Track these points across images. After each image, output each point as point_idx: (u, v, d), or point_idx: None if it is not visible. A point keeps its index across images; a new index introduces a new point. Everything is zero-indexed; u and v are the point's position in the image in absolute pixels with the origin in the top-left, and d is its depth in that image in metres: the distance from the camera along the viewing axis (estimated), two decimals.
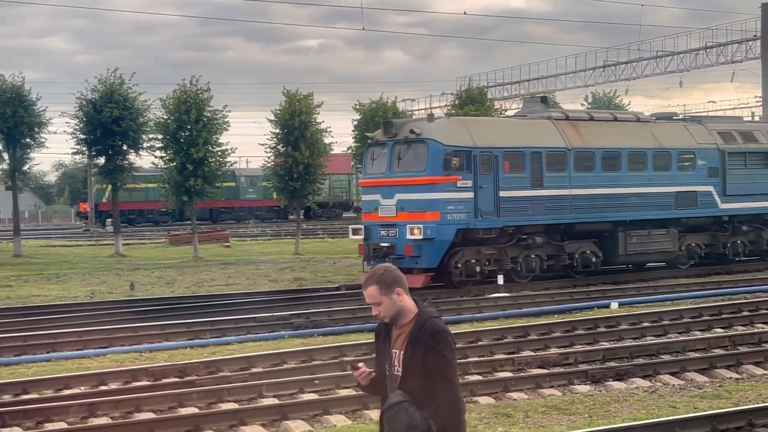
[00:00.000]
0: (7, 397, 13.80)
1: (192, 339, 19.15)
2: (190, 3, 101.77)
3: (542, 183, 24.27)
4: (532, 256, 24.60)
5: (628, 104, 57.11)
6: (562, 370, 14.88)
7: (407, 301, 5.35)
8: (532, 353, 16.32)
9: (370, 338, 17.25)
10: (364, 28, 66.87)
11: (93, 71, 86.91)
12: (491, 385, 13.84)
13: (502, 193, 23.53)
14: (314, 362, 16.00)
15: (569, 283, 26.81)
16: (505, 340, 17.79)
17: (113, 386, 14.68)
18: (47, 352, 17.92)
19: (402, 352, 5.33)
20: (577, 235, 26.18)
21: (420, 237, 22.87)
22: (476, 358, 15.91)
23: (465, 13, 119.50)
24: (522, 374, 14.55)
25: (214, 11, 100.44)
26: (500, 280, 26.03)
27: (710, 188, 26.86)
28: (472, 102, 51.25)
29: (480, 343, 17.40)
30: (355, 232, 25.95)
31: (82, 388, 14.55)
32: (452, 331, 16.85)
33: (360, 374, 5.47)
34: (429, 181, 23.13)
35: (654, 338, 17.96)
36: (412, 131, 24.02)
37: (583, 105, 58.11)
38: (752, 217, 28.38)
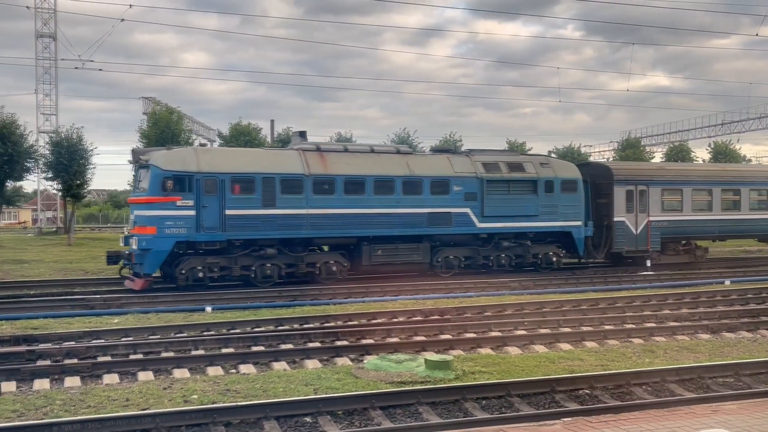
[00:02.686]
0: (338, 322, 15.12)
1: (446, 294, 20.08)
2: (451, 86, 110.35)
3: (275, 203, 21.07)
4: (268, 264, 21.23)
5: (739, 149, 55.86)
6: (690, 323, 15.05)
7: None
8: (669, 311, 16.61)
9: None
10: (560, 101, 71.07)
11: (391, 129, 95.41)
12: (641, 332, 14.13)
13: (228, 212, 20.46)
14: (524, 311, 16.78)
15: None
16: (650, 302, 18.01)
17: (401, 318, 15.77)
18: (362, 297, 19.34)
19: None
20: (334, 247, 23.01)
21: (139, 247, 20.13)
22: (631, 313, 16.30)
23: (628, 90, 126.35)
24: (662, 325, 14.78)
25: (466, 92, 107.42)
26: (648, 263, 26.70)
27: (467, 210, 23.50)
28: (629, 147, 50.82)
29: (633, 303, 17.76)
30: (123, 240, 22.27)
31: (383, 319, 15.70)
32: (614, 295, 18.13)
33: None
34: (149, 200, 20.29)
35: (755, 305, 17.95)
36: (141, 158, 21.34)
37: (707, 150, 57.09)
38: (516, 234, 24.43)
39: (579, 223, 25.25)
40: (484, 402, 9.29)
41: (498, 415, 8.76)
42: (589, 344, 13.37)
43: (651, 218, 26.74)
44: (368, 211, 22.26)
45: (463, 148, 41.74)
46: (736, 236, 30.39)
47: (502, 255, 24.31)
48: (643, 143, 62.02)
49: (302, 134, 24.12)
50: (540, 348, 13.03)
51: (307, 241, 22.09)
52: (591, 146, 76.50)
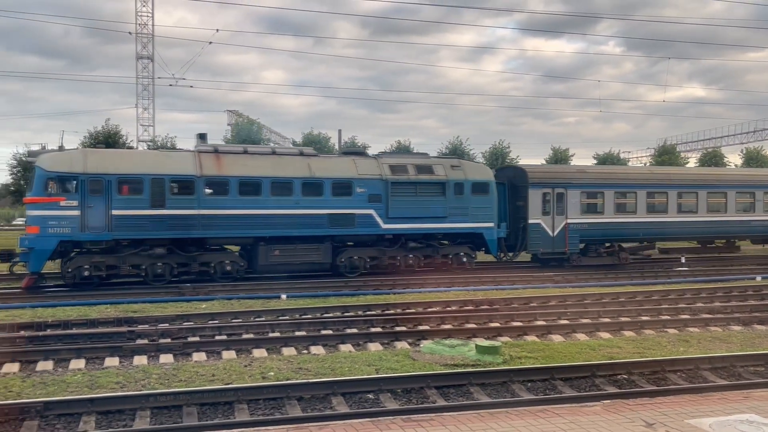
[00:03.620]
0: (397, 310, 15.14)
1: (495, 286, 19.96)
2: (502, 98, 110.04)
3: (164, 204, 19.27)
4: (159, 264, 19.52)
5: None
6: (722, 316, 14.63)
7: None
8: (702, 304, 16.08)
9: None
10: (601, 111, 69.09)
11: (446, 138, 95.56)
12: (675, 322, 13.80)
13: (114, 212, 18.76)
14: (567, 302, 16.48)
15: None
16: (685, 296, 17.53)
17: (454, 307, 15.58)
18: (419, 288, 19.06)
19: None
20: (235, 245, 21.27)
21: (24, 246, 18.63)
22: (666, 305, 15.91)
23: (664, 100, 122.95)
24: (695, 317, 14.33)
25: (516, 103, 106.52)
26: (683, 260, 25.96)
27: (371, 211, 21.39)
28: (665, 153, 49.55)
29: (669, 296, 17.37)
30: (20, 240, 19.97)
31: (437, 308, 15.45)
32: (651, 289, 17.61)
33: None
34: (33, 200, 18.79)
35: None
36: (30, 160, 19.48)
37: (739, 155, 55.23)
38: (424, 235, 22.25)
39: (491, 224, 23.04)
40: (529, 384, 9.19)
41: (543, 396, 8.66)
42: (627, 333, 13.08)
43: (569, 221, 24.38)
44: (265, 212, 20.35)
45: (510, 155, 41.33)
46: (663, 239, 27.17)
47: (410, 255, 22.18)
48: (678, 150, 60.40)
49: (202, 136, 22.39)
50: (581, 336, 12.80)
51: (201, 241, 20.13)
52: (629, 152, 74.57)
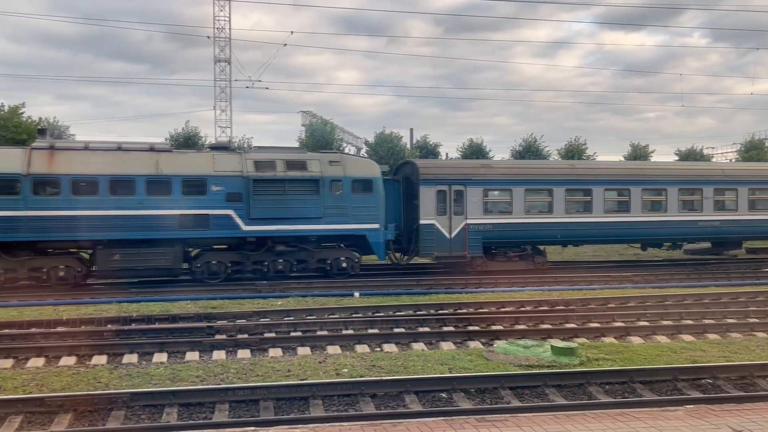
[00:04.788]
0: (470, 309, 14.98)
1: (571, 286, 19.20)
2: (578, 94, 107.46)
3: None
4: None
5: None
6: None
7: None
8: None
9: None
10: (683, 105, 66.74)
11: (520, 135, 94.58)
12: (764, 326, 13.17)
13: None
14: (647, 303, 15.82)
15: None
16: (758, 299, 16.63)
17: (528, 308, 15.39)
18: (492, 287, 18.91)
19: None
20: (75, 248, 19.24)
21: None
22: (754, 308, 15.10)
23: (752, 93, 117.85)
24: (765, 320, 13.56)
25: (592, 99, 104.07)
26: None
27: (230, 212, 19.25)
28: (753, 149, 47.36)
29: (757, 298, 16.66)
30: None
31: (511, 308, 15.32)
32: (737, 290, 16.64)
33: None
34: None
35: None
36: None
37: None
38: (297, 238, 20.01)
39: (375, 225, 20.53)
40: (607, 387, 8.97)
41: (621, 399, 8.43)
42: (711, 336, 12.58)
43: (469, 221, 21.68)
44: (102, 213, 18.42)
45: (587, 152, 40.16)
46: (587, 241, 24.48)
47: (279, 260, 20.00)
48: (767, 145, 57.41)
49: (41, 131, 20.74)
50: (662, 338, 12.41)
51: (30, 245, 18.42)
52: (713, 148, 71.35)
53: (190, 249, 20.05)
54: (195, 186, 19.22)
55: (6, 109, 29.17)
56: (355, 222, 20.38)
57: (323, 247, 20.58)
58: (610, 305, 15.57)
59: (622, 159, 41.24)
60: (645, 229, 23.51)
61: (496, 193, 22.37)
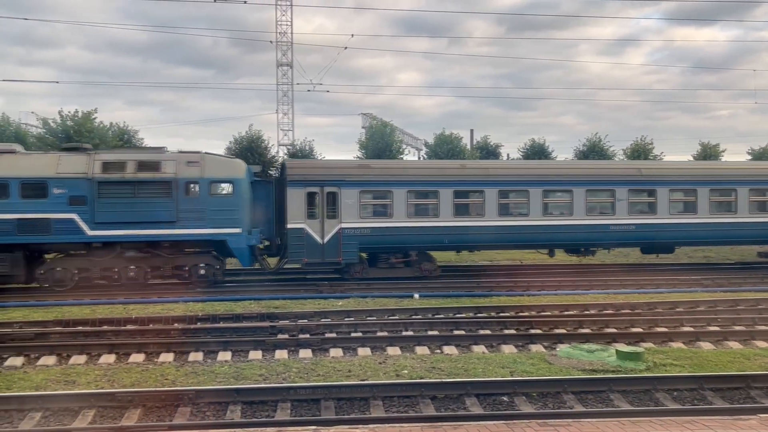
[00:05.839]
0: (532, 312, 14.66)
1: (637, 289, 18.71)
2: (645, 92, 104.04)
3: None
4: None
5: None
6: None
7: None
8: None
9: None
10: (756, 102, 66.01)
11: (584, 134, 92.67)
12: None
13: None
14: (717, 308, 15.24)
15: None
16: None
17: (592, 311, 14.91)
18: (555, 290, 18.48)
19: None
20: None
21: None
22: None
23: None
24: None
25: (660, 97, 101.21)
26: None
27: (74, 216, 18.25)
28: None
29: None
30: None
31: (574, 311, 14.97)
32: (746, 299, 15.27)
33: None
34: None
35: None
36: None
37: None
38: (149, 243, 18.90)
39: (237, 230, 19.29)
40: (675, 393, 8.72)
41: (690, 407, 8.18)
42: None
43: (343, 225, 20.22)
44: None
45: (654, 152, 39.04)
46: (477, 247, 22.60)
47: (131, 267, 18.98)
48: None
49: None
50: (734, 344, 11.96)
51: None
52: None
53: (36, 255, 19.24)
54: (35, 189, 18.43)
55: (80, 114, 30.38)
56: (213, 227, 19.23)
57: (182, 253, 19.51)
58: (678, 309, 15.16)
59: (691, 159, 39.92)
60: (544, 233, 21.45)
61: (375, 195, 20.77)
